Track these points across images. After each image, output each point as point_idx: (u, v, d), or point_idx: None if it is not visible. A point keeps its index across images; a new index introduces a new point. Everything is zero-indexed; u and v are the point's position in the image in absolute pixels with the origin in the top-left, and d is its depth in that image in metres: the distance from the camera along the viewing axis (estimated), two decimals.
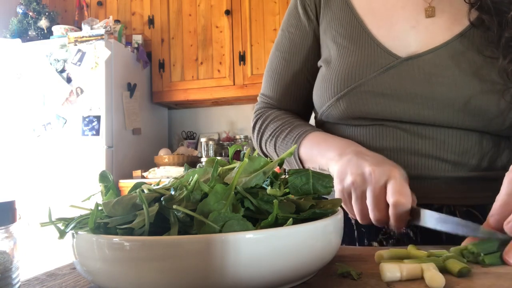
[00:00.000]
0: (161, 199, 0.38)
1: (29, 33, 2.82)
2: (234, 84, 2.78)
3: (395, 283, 0.37)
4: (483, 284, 0.36)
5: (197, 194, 0.37)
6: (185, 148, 2.92)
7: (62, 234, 0.37)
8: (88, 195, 0.45)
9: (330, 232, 0.37)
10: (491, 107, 0.60)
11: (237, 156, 2.01)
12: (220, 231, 0.33)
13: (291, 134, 0.71)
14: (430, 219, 0.48)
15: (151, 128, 2.99)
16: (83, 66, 2.53)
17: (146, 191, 0.41)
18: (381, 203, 0.52)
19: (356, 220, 0.62)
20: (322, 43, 0.75)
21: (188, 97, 2.87)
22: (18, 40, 2.68)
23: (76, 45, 2.55)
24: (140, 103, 2.82)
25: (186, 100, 2.91)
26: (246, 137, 2.92)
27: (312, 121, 0.83)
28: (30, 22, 2.82)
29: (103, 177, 0.46)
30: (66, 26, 2.74)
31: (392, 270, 0.37)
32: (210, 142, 2.78)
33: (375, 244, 0.66)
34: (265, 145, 0.77)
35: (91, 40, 2.52)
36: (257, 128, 0.79)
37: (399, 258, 0.43)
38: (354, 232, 0.68)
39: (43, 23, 2.82)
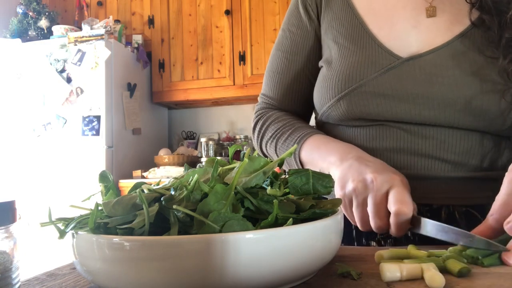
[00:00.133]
0: (161, 199, 0.38)
1: (29, 33, 2.82)
2: (234, 84, 2.78)
3: (395, 283, 0.37)
4: (483, 284, 0.36)
5: (197, 194, 0.37)
6: (185, 148, 2.92)
7: (62, 234, 0.37)
8: (88, 195, 0.45)
9: (330, 232, 0.37)
10: (492, 107, 0.60)
11: (237, 156, 2.01)
12: (220, 231, 0.33)
13: (292, 137, 0.71)
14: (431, 228, 0.48)
15: (151, 128, 2.99)
16: (83, 66, 2.53)
17: (146, 191, 0.41)
18: (382, 211, 0.52)
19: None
20: (323, 43, 0.75)
21: (188, 97, 2.87)
22: (18, 40, 2.68)
23: (76, 45, 2.55)
24: (140, 103, 2.82)
25: (186, 100, 2.91)
26: (246, 137, 2.92)
27: (312, 121, 0.82)
28: (30, 22, 2.82)
29: (103, 177, 0.46)
30: (66, 26, 2.74)
31: (392, 270, 0.37)
32: (210, 142, 2.78)
33: (373, 243, 0.66)
34: (266, 147, 0.77)
35: (91, 40, 2.52)
36: (257, 129, 0.79)
37: (399, 258, 0.43)
38: (352, 232, 0.68)
39: (43, 23, 2.82)
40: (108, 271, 0.33)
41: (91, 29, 2.68)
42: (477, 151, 0.63)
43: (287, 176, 0.43)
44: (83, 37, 2.54)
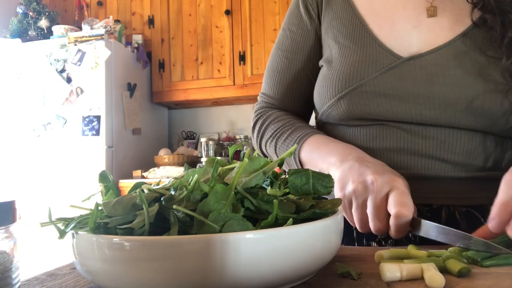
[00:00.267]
0: (161, 199, 0.38)
1: (29, 33, 2.82)
2: (234, 84, 2.78)
3: (395, 283, 0.37)
4: (483, 284, 0.36)
5: (197, 194, 0.37)
6: (185, 148, 2.92)
7: (62, 234, 0.37)
8: (88, 195, 0.45)
9: (330, 232, 0.37)
10: (494, 107, 0.60)
11: (237, 156, 2.01)
12: (220, 231, 0.33)
13: (292, 136, 0.70)
14: (431, 230, 0.48)
15: (151, 128, 2.99)
16: (83, 66, 2.53)
17: (146, 191, 0.41)
18: (382, 213, 0.52)
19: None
20: (324, 43, 0.75)
21: (188, 97, 2.87)
22: (18, 40, 2.68)
23: (76, 45, 2.55)
24: (140, 103, 2.82)
25: (186, 100, 2.91)
26: (246, 137, 2.92)
27: (312, 121, 0.82)
28: (30, 22, 2.82)
29: (103, 177, 0.46)
30: (66, 26, 2.74)
31: (392, 270, 0.37)
32: (210, 142, 2.78)
33: (374, 244, 0.66)
34: (265, 146, 0.77)
35: (91, 40, 2.52)
36: (257, 128, 0.79)
37: (399, 258, 0.43)
38: (353, 232, 0.68)
39: (43, 23, 2.82)
40: (108, 271, 0.33)
41: (91, 29, 2.68)
42: (479, 151, 0.63)
43: (287, 176, 0.43)
44: (83, 37, 2.54)
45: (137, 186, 0.44)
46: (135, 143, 2.79)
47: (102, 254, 0.33)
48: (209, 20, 2.86)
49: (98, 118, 2.49)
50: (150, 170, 2.58)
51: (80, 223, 0.38)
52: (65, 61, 2.56)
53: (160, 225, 0.36)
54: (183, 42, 2.90)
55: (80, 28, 2.75)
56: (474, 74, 0.61)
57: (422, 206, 0.64)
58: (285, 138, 0.71)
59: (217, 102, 3.05)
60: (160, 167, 2.61)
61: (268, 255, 0.32)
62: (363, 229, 0.55)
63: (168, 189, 0.41)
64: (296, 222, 0.35)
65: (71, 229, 0.37)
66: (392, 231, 0.51)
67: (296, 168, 0.69)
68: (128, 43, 2.83)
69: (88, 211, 0.39)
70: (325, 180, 0.43)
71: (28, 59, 2.62)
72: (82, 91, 2.53)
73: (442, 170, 0.63)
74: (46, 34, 2.81)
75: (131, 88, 2.74)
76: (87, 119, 2.50)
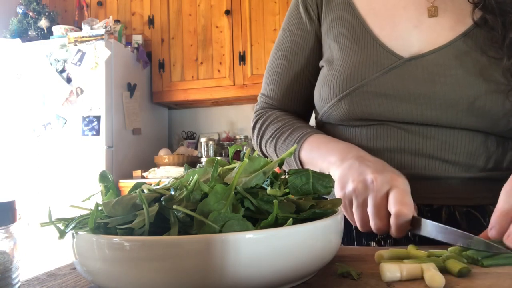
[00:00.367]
0: (161, 199, 0.38)
1: (29, 33, 2.82)
2: (234, 84, 2.78)
3: (395, 283, 0.37)
4: (483, 284, 0.36)
5: (197, 194, 0.37)
6: (185, 148, 2.92)
7: (62, 234, 0.37)
8: (88, 195, 0.45)
9: (330, 232, 0.37)
10: (495, 107, 0.60)
11: (237, 156, 2.01)
12: (220, 231, 0.33)
13: (292, 136, 0.70)
14: (431, 229, 0.48)
15: (151, 128, 2.99)
16: (83, 66, 2.53)
17: (146, 191, 0.41)
18: (382, 211, 0.52)
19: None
20: (324, 43, 0.75)
21: (188, 97, 2.87)
22: (18, 40, 2.68)
23: (76, 45, 2.55)
24: (140, 103, 2.82)
25: (186, 100, 2.91)
26: (246, 137, 2.92)
27: (312, 121, 0.82)
28: (30, 22, 2.82)
29: (103, 177, 0.46)
30: (66, 26, 2.74)
31: (392, 270, 0.37)
32: (210, 142, 2.78)
33: (373, 244, 0.66)
34: (265, 146, 0.77)
35: (91, 40, 2.52)
36: (257, 129, 0.79)
37: (399, 258, 0.43)
38: (352, 232, 0.68)
39: (43, 23, 2.82)
40: (108, 271, 0.33)
41: (91, 29, 2.68)
42: (481, 152, 0.63)
43: (287, 176, 0.43)
44: (83, 37, 2.54)
45: (137, 186, 0.44)
46: (135, 143, 2.79)
47: (102, 254, 0.33)
48: (209, 20, 2.86)
49: (98, 118, 2.49)
50: (150, 170, 2.58)
51: (80, 223, 0.38)
52: (65, 61, 2.56)
53: (160, 225, 0.36)
54: (183, 42, 2.90)
55: (80, 28, 2.75)
56: (475, 74, 0.61)
57: (422, 206, 0.64)
58: (285, 138, 0.71)
59: (217, 102, 3.05)
60: (160, 167, 2.61)
61: (268, 255, 0.32)
62: (364, 228, 0.55)
63: (168, 189, 0.41)
64: (296, 222, 0.35)
65: (71, 229, 0.37)
66: (393, 230, 0.51)
67: (296, 167, 0.69)
68: (128, 43, 2.83)
69: (88, 211, 0.39)
70: (325, 180, 0.43)
71: (28, 59, 2.62)
72: (82, 91, 2.53)
73: (443, 170, 0.63)
74: (46, 34, 2.81)
75: (131, 88, 2.74)
76: (87, 119, 2.50)
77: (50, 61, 2.58)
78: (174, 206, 0.35)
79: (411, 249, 0.46)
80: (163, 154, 2.71)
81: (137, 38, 2.89)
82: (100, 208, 0.38)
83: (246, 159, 0.40)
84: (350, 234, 0.68)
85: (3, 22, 2.91)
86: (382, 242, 0.66)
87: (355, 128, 0.69)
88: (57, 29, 2.73)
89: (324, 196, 0.46)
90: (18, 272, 0.35)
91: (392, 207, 0.50)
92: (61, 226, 0.38)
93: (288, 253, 0.33)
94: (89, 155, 2.47)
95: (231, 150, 0.47)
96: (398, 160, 0.64)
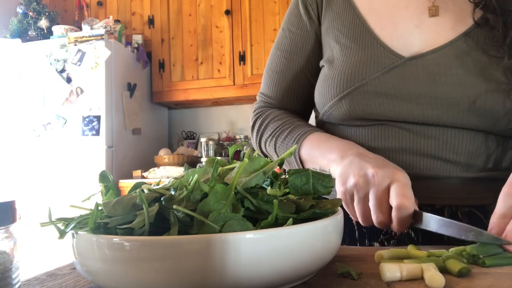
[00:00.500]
0: (161, 199, 0.38)
1: (29, 33, 2.82)
2: (234, 84, 2.78)
3: (395, 283, 0.37)
4: (483, 284, 0.36)
5: (197, 194, 0.37)
6: (185, 148, 2.92)
7: (62, 234, 0.37)
8: (88, 195, 0.45)
9: (330, 232, 0.37)
10: (496, 107, 0.60)
11: (237, 156, 2.01)
12: (220, 231, 0.33)
13: (291, 135, 0.70)
14: (433, 222, 0.48)
15: (151, 128, 2.99)
16: (83, 66, 2.53)
17: (146, 191, 0.41)
18: (384, 205, 0.52)
19: (357, 221, 0.62)
20: (324, 43, 0.75)
21: (188, 97, 2.87)
22: (18, 40, 2.68)
23: (76, 45, 2.55)
24: (140, 103, 2.82)
25: (186, 100, 2.91)
26: (246, 137, 2.92)
27: (312, 121, 0.82)
28: (30, 22, 2.82)
29: (103, 177, 0.46)
30: (66, 26, 2.74)
31: (392, 270, 0.37)
32: (210, 142, 2.78)
33: (376, 244, 0.66)
34: (265, 145, 0.77)
35: (91, 40, 2.52)
36: (256, 128, 0.79)
37: (399, 258, 0.43)
38: (355, 233, 0.68)
39: (43, 23, 2.82)
40: (108, 271, 0.33)
41: (91, 29, 2.68)
42: (482, 151, 0.63)
43: (287, 176, 0.43)
44: (83, 37, 2.54)
45: (137, 186, 0.44)
46: (135, 143, 2.79)
47: (102, 254, 0.33)
48: (209, 20, 2.86)
49: (98, 118, 2.49)
50: (150, 170, 2.58)
51: (80, 223, 0.38)
52: (65, 61, 2.56)
53: (160, 225, 0.36)
54: (183, 42, 2.90)
55: (80, 28, 2.75)
56: (476, 73, 0.61)
57: (424, 206, 0.64)
58: (284, 137, 0.71)
59: (217, 102, 3.05)
60: (160, 167, 2.61)
61: (268, 255, 0.32)
62: (366, 223, 0.55)
63: (168, 189, 0.41)
64: (296, 222, 0.35)
65: (71, 229, 0.37)
66: (394, 224, 0.51)
67: (297, 166, 0.69)
68: (128, 43, 2.83)
69: (88, 211, 0.39)
70: (325, 180, 0.43)
71: (28, 59, 2.62)
72: (82, 91, 2.53)
73: (444, 170, 0.63)
74: (46, 34, 2.81)
75: (131, 88, 2.74)
76: (87, 119, 2.50)
77: (50, 61, 2.58)
78: (174, 206, 0.35)
79: (411, 249, 0.46)
80: (163, 154, 2.71)
81: (137, 38, 2.89)
82: (100, 208, 0.38)
83: (246, 159, 0.40)
84: (352, 234, 0.68)
85: (3, 22, 2.91)
86: (385, 242, 0.65)
87: (356, 128, 0.69)
88: (57, 29, 2.73)
89: (324, 196, 0.46)
90: (18, 272, 0.35)
91: (393, 200, 0.50)
92: (61, 226, 0.38)
93: (288, 253, 0.33)
94: (89, 155, 2.47)
95: (231, 150, 0.47)
96: (399, 160, 0.64)
